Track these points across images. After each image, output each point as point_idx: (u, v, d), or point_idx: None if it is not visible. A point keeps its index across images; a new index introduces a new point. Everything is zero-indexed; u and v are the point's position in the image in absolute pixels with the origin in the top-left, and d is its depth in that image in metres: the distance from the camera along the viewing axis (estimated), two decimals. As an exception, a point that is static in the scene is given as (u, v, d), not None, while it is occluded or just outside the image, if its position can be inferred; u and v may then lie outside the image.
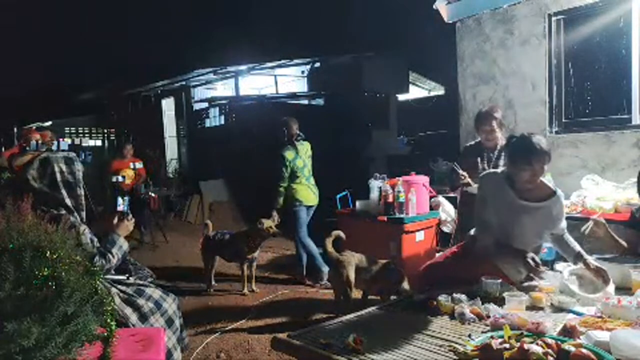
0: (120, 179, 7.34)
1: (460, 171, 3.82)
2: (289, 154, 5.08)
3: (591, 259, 2.55)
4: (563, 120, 4.86)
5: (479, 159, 3.87)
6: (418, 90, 15.32)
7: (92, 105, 15.92)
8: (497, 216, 2.72)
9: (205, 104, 12.85)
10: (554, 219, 2.70)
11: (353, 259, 3.76)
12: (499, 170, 2.86)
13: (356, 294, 3.85)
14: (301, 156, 5.16)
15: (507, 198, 2.67)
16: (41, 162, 2.51)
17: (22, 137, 5.52)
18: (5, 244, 1.49)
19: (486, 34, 5.28)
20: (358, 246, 3.94)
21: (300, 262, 5.25)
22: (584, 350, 1.61)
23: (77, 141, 14.86)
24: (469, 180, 3.78)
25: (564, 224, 2.76)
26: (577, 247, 2.68)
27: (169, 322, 2.65)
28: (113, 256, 2.50)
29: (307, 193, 5.16)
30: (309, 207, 5.21)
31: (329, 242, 3.81)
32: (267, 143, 9.75)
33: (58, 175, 2.51)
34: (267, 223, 4.78)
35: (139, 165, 7.56)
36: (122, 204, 2.70)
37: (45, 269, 1.47)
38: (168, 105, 13.87)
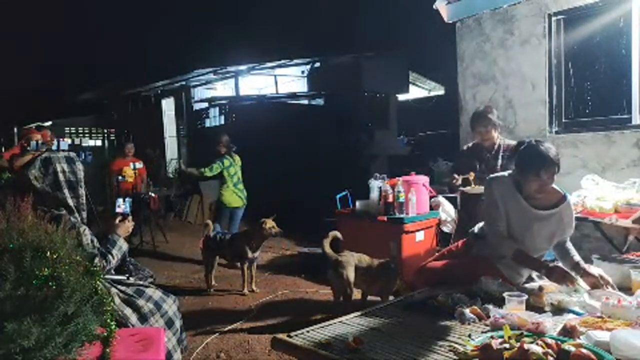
0: (121, 178, 7.36)
1: (456, 175, 3.82)
2: (226, 161, 6.07)
3: (591, 267, 2.47)
4: (563, 120, 4.86)
5: (476, 161, 3.88)
6: (418, 90, 15.32)
7: (92, 105, 15.92)
8: (507, 222, 2.64)
9: (205, 104, 12.85)
10: (565, 226, 2.62)
11: (352, 259, 3.76)
12: (507, 173, 2.75)
13: (356, 294, 3.85)
14: (234, 165, 6.14)
15: (518, 205, 2.59)
16: (43, 162, 2.51)
17: (23, 137, 5.51)
18: (6, 244, 1.49)
19: (486, 34, 5.28)
20: (358, 246, 3.94)
21: None
22: (584, 350, 1.61)
23: (77, 141, 14.86)
24: (461, 180, 3.78)
25: (572, 229, 2.68)
26: (577, 258, 2.58)
27: (169, 323, 2.64)
28: (113, 257, 2.51)
29: (232, 197, 6.11)
30: (233, 209, 6.14)
31: (326, 243, 3.81)
32: (267, 143, 9.79)
33: (60, 175, 2.51)
34: (268, 223, 4.79)
35: (139, 165, 7.56)
36: (122, 205, 2.70)
37: (46, 269, 1.47)
38: (168, 105, 13.87)
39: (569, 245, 2.67)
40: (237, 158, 6.25)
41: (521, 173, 2.58)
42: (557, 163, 2.49)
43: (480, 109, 3.90)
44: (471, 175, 3.77)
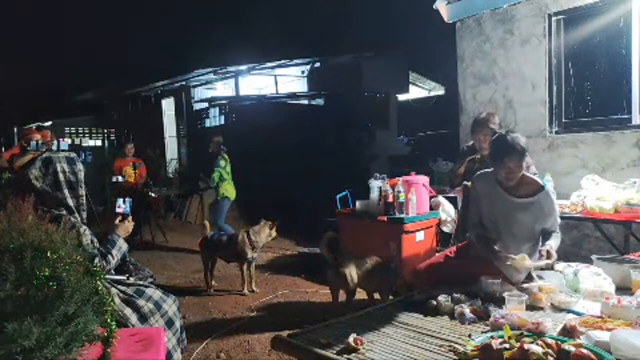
0: (120, 179, 7.36)
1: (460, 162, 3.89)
2: (222, 162, 6.69)
3: (545, 246, 2.66)
4: (563, 120, 4.86)
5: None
6: (418, 90, 15.32)
7: (92, 105, 15.92)
8: (491, 215, 2.79)
9: (205, 104, 12.84)
10: (545, 214, 2.75)
11: (351, 259, 3.75)
12: (490, 169, 2.88)
13: (359, 295, 3.84)
14: (227, 164, 6.76)
15: (499, 196, 2.76)
16: (43, 162, 2.51)
17: (23, 137, 5.51)
18: (6, 244, 1.49)
19: (486, 34, 5.28)
20: (358, 246, 3.94)
21: None
22: (584, 350, 1.61)
23: (77, 141, 14.83)
24: (465, 165, 3.81)
25: (555, 219, 2.79)
26: (548, 242, 2.71)
27: (169, 323, 2.64)
28: (113, 257, 2.50)
29: (232, 190, 6.74)
30: (229, 201, 6.72)
31: (323, 245, 3.79)
32: (267, 143, 9.79)
33: (60, 175, 2.52)
34: (266, 224, 4.80)
35: (139, 165, 7.57)
36: (122, 205, 2.70)
37: (46, 269, 1.47)
38: (168, 105, 13.86)
39: (553, 235, 2.76)
40: (226, 157, 6.84)
41: (492, 161, 2.79)
42: (521, 152, 2.66)
43: (482, 116, 3.85)
44: (477, 157, 3.79)
